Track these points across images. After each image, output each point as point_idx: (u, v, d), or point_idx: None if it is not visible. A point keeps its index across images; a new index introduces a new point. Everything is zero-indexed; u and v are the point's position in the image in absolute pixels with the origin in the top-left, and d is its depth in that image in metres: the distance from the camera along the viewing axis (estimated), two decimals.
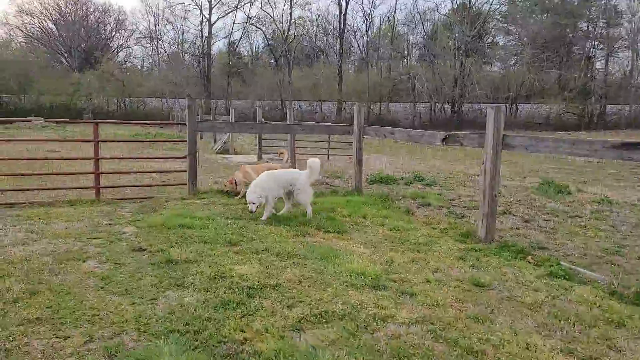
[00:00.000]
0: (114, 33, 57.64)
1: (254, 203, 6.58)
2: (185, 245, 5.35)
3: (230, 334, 3.26)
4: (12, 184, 9.14)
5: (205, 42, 47.81)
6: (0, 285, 4.02)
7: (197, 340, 3.17)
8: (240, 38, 51.88)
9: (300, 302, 3.81)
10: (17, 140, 10.21)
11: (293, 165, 13.03)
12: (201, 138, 27.39)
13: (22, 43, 55.35)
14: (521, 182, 12.31)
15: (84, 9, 54.94)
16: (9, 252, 4.96)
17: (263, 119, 17.44)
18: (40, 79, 43.84)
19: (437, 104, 46.38)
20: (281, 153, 10.00)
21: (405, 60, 54.69)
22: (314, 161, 7.10)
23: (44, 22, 55.40)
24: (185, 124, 8.52)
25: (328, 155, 18.02)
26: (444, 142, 7.06)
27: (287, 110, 13.13)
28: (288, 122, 13.09)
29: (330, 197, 8.77)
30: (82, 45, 53.09)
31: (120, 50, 58.71)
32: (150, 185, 9.28)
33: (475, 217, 7.83)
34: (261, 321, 3.42)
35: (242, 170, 8.86)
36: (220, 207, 7.60)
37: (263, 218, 6.69)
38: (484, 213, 6.16)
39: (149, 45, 61.19)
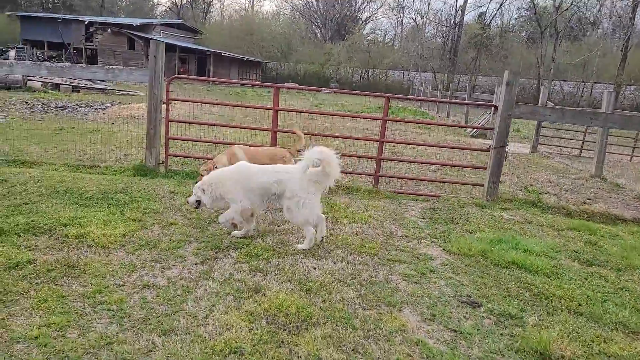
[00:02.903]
0: (364, 5, 59.24)
1: (194, 194, 4.35)
2: (543, 311, 3.31)
3: None
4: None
5: (459, 11, 44.40)
6: (305, 345, 2.67)
7: None
8: (500, 6, 46.28)
9: None
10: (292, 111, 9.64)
11: (599, 167, 9.73)
12: (436, 112, 25.22)
13: (287, 15, 61.95)
14: None
15: None
16: (304, 269, 3.74)
17: (549, 102, 14.14)
18: (299, 48, 48.03)
19: None
20: (293, 133, 6.11)
21: None
22: (320, 152, 3.97)
23: None
24: (495, 106, 6.40)
25: (632, 156, 13.62)
26: None
27: (605, 97, 9.69)
28: (604, 109, 9.71)
29: None
30: (336, 17, 56.09)
31: (368, 22, 60.22)
32: (436, 181, 7.53)
33: None
34: None
35: (228, 153, 5.64)
36: (548, 232, 5.30)
37: (237, 233, 4.38)
38: None
39: (395, 16, 61.18)
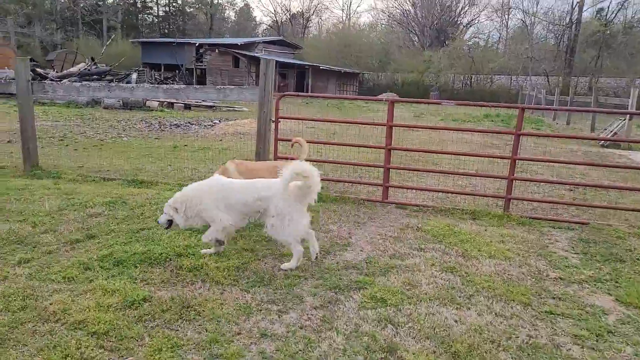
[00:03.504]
0: (465, 9, 56.67)
1: (165, 213, 3.98)
2: None
3: None
4: (399, 177, 7.94)
5: (576, 8, 40.19)
6: None
7: None
8: (625, 1, 41.20)
9: None
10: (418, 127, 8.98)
11: None
12: (553, 119, 22.60)
13: (384, 25, 61.45)
14: None
15: None
16: (444, 322, 3.09)
17: None
18: (396, 57, 47.20)
19: None
20: (296, 142, 5.43)
21: None
22: (298, 168, 3.72)
23: (403, 5, 59.68)
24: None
25: None
26: None
27: None
28: None
29: None
30: (435, 23, 54.33)
31: (470, 27, 57.52)
32: (582, 205, 6.35)
33: None
34: None
35: (221, 169, 5.07)
36: None
37: (205, 250, 4.05)
38: None
39: (499, 18, 57.69)
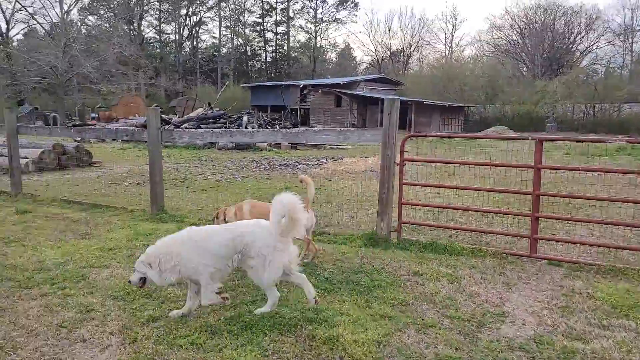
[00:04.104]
0: (582, 34, 52.53)
1: (137, 271, 3.55)
2: None
3: None
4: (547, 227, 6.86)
5: None
6: None
7: None
8: None
9: None
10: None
11: None
12: None
13: (489, 57, 59.11)
14: None
15: (553, 15, 52.55)
16: None
17: None
18: (505, 89, 44.75)
19: None
20: (301, 181, 5.20)
21: None
22: (286, 201, 3.39)
23: (510, 35, 57.16)
24: None
25: None
26: None
27: None
28: None
29: None
30: (547, 52, 50.99)
31: (587, 53, 53.04)
32: None
33: None
34: None
35: (236, 206, 5.30)
36: None
37: (180, 311, 3.65)
38: None
39: (622, 42, 52.59)
